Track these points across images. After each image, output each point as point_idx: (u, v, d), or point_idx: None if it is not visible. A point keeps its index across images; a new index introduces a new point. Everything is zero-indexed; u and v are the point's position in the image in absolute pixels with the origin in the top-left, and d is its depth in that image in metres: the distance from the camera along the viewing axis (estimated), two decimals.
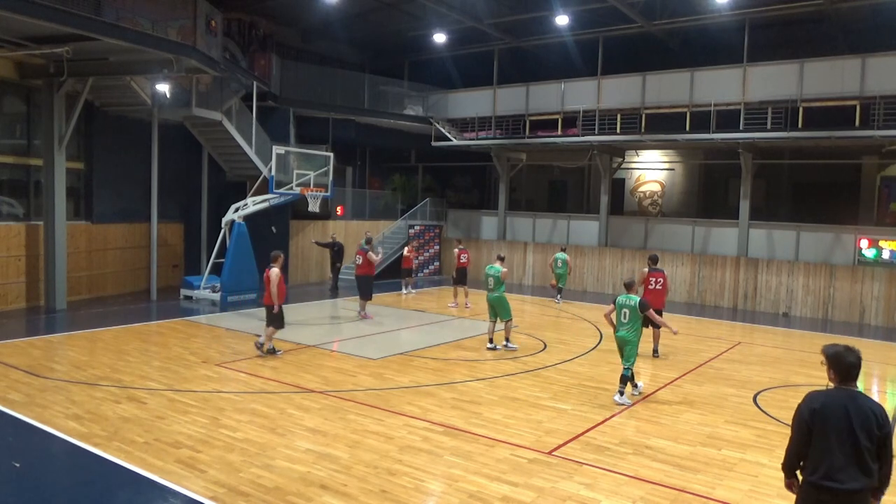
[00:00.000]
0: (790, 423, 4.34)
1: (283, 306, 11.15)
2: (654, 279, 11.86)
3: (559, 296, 19.23)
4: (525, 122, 22.41)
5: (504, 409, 8.68)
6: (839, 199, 21.15)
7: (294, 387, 9.37)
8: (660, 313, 11.35)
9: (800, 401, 4.27)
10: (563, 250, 19.39)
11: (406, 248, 20.12)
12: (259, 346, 11.19)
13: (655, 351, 12.01)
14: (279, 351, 11.28)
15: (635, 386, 9.58)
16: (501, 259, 12.97)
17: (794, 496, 4.34)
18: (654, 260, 12.36)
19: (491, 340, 12.27)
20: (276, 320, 11.09)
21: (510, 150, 23.96)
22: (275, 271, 10.95)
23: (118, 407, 8.22)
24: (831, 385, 4.25)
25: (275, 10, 21.18)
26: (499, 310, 12.15)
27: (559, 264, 18.92)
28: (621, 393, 9.16)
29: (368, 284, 15.40)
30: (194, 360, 10.75)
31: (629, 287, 9.64)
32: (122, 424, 7.59)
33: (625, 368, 9.16)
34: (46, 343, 11.90)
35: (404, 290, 19.58)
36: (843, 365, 4.18)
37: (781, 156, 21.81)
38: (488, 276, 12.19)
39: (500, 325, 12.44)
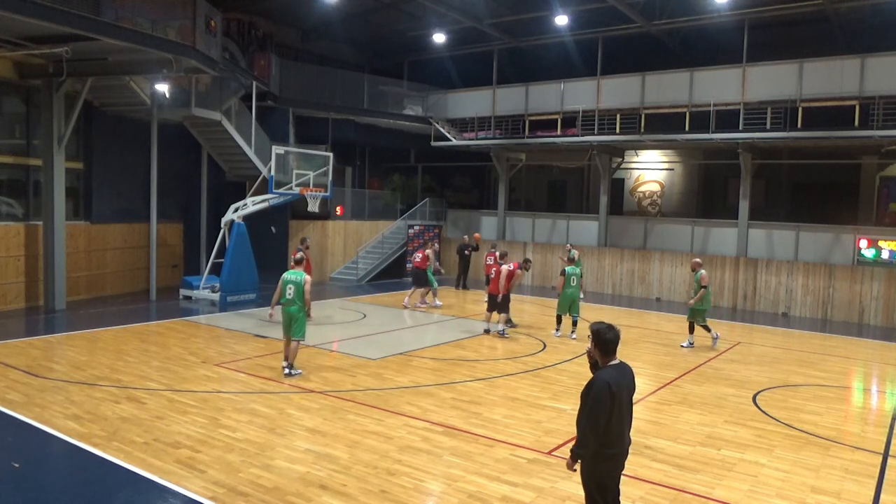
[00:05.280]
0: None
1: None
2: (494, 270, 13.87)
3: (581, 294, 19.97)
4: (524, 122, 22.41)
5: (503, 409, 8.68)
6: (838, 199, 21.17)
7: (293, 387, 9.37)
8: (498, 297, 13.67)
9: (592, 382, 4.51)
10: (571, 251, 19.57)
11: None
12: (502, 333, 13.44)
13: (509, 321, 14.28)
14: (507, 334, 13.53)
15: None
16: (298, 262, 10.36)
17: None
18: (502, 256, 14.37)
19: (286, 358, 10.08)
20: (502, 307, 13.49)
21: (510, 150, 23.95)
22: (505, 268, 13.44)
23: (117, 407, 8.21)
24: (615, 360, 4.64)
25: (274, 10, 21.17)
26: (294, 325, 9.89)
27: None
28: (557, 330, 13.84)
29: None
30: (194, 360, 10.74)
31: (573, 260, 14.61)
32: (122, 424, 7.59)
33: (577, 316, 13.77)
34: (45, 343, 11.90)
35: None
36: (609, 341, 4.57)
37: (781, 156, 21.83)
38: (288, 283, 9.95)
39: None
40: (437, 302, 17.38)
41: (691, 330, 13.05)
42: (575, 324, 13.70)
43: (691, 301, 12.85)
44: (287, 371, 9.91)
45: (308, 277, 10.08)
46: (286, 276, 10.05)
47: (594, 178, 25.66)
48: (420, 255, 17.17)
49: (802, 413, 8.92)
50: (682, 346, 12.99)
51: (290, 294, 9.93)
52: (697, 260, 13.39)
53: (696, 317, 12.89)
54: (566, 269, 13.81)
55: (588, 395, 4.47)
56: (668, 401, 9.35)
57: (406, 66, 25.99)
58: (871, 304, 17.23)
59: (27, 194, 15.86)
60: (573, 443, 4.60)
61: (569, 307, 13.67)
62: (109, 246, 17.66)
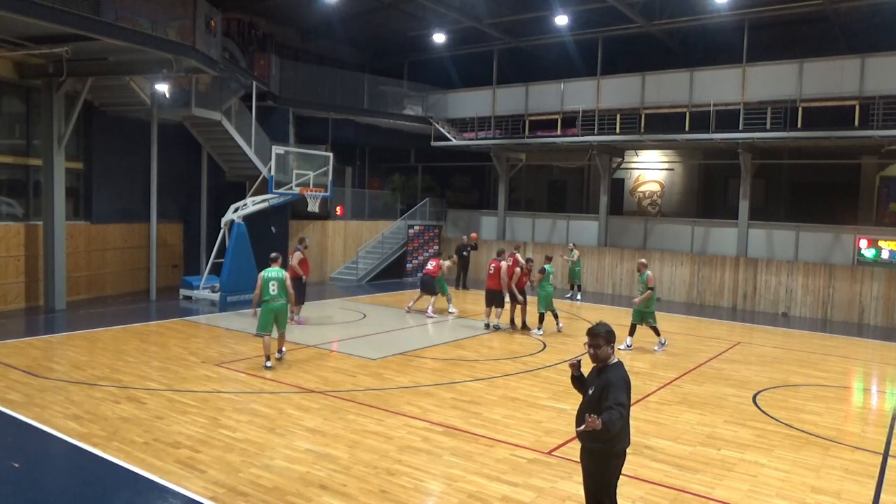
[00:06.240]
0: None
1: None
2: (492, 266, 14.22)
3: (578, 294, 20.03)
4: (524, 122, 22.41)
5: (503, 409, 8.68)
6: (838, 199, 21.17)
7: (293, 387, 9.37)
8: (498, 293, 14.08)
9: (614, 381, 4.57)
10: (573, 251, 20.13)
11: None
12: (495, 327, 14.10)
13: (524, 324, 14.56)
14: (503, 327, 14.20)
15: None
16: (275, 260, 10.77)
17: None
18: (499, 253, 14.71)
19: (269, 358, 10.43)
20: (500, 302, 14.08)
21: (510, 150, 23.95)
22: (503, 264, 13.95)
23: (117, 407, 8.21)
24: (614, 358, 4.75)
25: (274, 10, 21.17)
26: (281, 320, 10.52)
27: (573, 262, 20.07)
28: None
29: (300, 288, 13.82)
30: (194, 360, 10.74)
31: (550, 259, 14.93)
32: (122, 424, 7.59)
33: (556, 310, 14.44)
34: (46, 343, 11.90)
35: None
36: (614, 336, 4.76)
37: (781, 156, 21.82)
38: (271, 280, 10.37)
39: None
40: (452, 309, 16.42)
41: (631, 332, 12.68)
42: (556, 316, 14.26)
43: (636, 300, 12.55)
44: (280, 355, 10.79)
45: (287, 273, 10.69)
46: (268, 274, 10.42)
47: (594, 178, 25.66)
48: (434, 262, 16.37)
49: (802, 413, 8.92)
50: (619, 349, 12.48)
51: (273, 290, 10.34)
52: (643, 261, 13.08)
53: (646, 318, 12.56)
54: (545, 266, 14.24)
55: (616, 392, 4.51)
56: (668, 401, 9.35)
57: (406, 66, 26.00)
58: (871, 304, 17.23)
59: (27, 194, 15.85)
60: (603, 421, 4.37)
61: (547, 304, 14.10)
62: (109, 246, 17.66)
